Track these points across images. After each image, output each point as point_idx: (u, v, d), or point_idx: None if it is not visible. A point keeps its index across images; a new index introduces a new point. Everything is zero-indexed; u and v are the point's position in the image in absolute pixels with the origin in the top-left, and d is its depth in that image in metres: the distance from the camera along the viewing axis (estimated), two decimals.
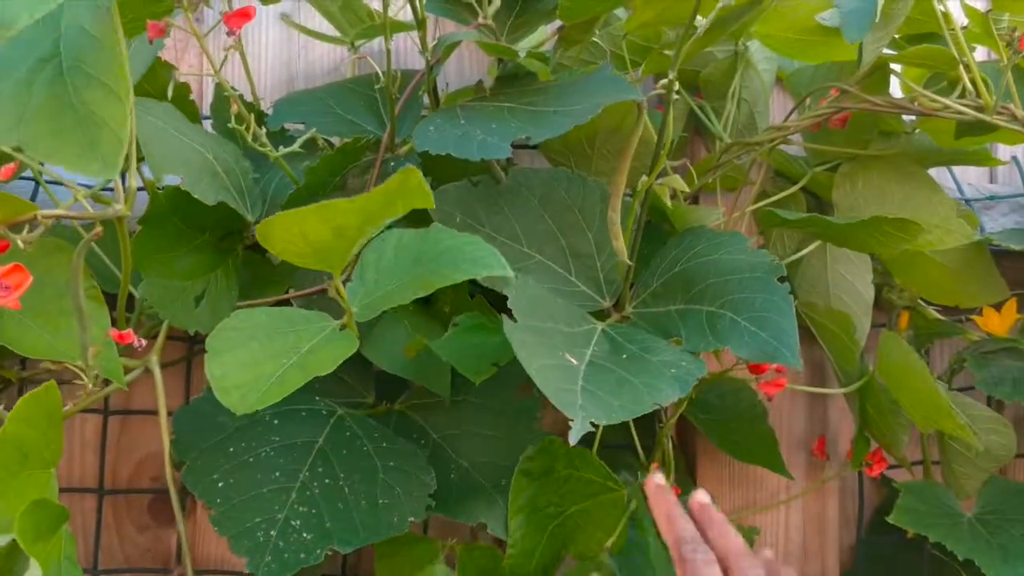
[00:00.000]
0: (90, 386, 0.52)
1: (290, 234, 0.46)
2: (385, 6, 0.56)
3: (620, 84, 0.57)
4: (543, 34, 0.70)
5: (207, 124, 0.73)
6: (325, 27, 0.83)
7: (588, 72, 0.63)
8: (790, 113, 0.75)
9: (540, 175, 0.67)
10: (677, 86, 0.56)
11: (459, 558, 0.64)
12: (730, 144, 0.74)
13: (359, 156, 0.63)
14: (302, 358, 0.50)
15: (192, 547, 0.77)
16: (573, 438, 0.47)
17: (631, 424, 0.74)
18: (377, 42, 0.83)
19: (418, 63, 0.85)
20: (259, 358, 0.49)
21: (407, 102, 0.66)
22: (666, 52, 0.78)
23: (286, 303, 0.64)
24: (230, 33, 0.52)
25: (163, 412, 0.59)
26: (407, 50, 0.87)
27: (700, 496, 0.59)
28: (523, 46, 0.71)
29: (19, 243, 0.45)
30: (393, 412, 0.70)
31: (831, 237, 0.74)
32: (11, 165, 0.46)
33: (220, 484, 0.57)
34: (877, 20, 0.64)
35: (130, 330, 0.52)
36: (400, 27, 0.72)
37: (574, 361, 0.56)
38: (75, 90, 0.47)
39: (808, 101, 0.74)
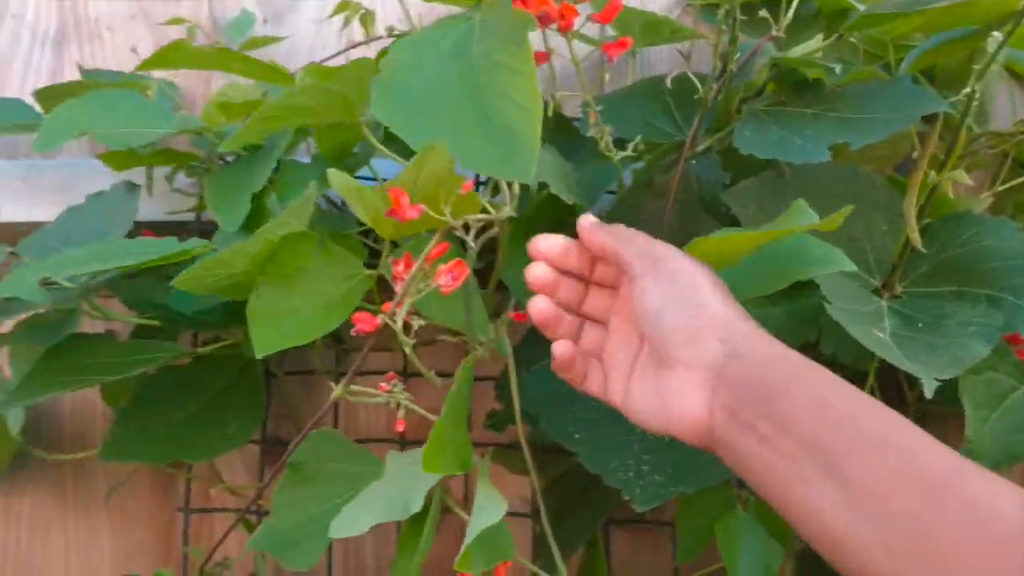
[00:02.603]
0: (481, 354, 0.64)
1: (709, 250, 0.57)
2: (718, 34, 0.65)
3: (927, 95, 0.65)
4: (818, 42, 0.78)
5: None
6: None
7: (877, 79, 0.71)
8: None
9: (820, 169, 0.74)
10: (978, 94, 0.64)
11: (753, 506, 0.74)
12: (979, 134, 0.81)
13: (665, 156, 0.73)
14: None
15: None
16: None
17: None
18: None
19: (664, 66, 0.95)
20: None
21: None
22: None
23: None
24: (608, 60, 0.61)
25: (514, 379, 0.69)
26: (655, 53, 0.96)
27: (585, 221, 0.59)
28: (795, 52, 0.79)
29: (471, 243, 0.56)
30: None
31: None
32: (469, 182, 0.57)
33: (577, 436, 0.68)
34: None
35: (526, 312, 0.63)
36: (693, 35, 0.80)
37: (880, 335, 0.65)
38: (494, 110, 0.57)
39: None
